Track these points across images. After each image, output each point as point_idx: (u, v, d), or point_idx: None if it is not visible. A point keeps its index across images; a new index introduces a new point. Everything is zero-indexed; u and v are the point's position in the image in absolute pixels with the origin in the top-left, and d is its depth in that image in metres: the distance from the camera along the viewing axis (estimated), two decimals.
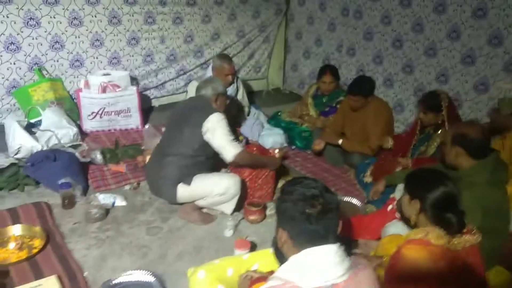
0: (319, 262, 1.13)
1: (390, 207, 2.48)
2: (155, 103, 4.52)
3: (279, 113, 4.04)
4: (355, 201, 2.90)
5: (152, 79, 4.36)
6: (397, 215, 2.42)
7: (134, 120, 3.87)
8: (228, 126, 2.47)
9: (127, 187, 2.90)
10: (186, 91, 3.45)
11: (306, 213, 1.16)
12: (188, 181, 2.44)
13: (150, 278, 1.96)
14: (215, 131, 2.41)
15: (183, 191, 2.46)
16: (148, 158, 3.17)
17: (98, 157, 3.09)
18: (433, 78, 3.72)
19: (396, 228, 2.30)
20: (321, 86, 3.67)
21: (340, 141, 3.31)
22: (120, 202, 2.69)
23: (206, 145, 2.47)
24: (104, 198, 2.64)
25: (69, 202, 2.60)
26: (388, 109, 3.34)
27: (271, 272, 1.64)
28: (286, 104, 4.70)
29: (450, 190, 1.58)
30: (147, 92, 4.38)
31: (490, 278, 1.83)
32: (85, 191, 2.78)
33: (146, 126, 3.27)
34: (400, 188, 2.64)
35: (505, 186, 2.07)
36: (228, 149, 2.43)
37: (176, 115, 2.58)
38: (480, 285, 1.57)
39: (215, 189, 2.44)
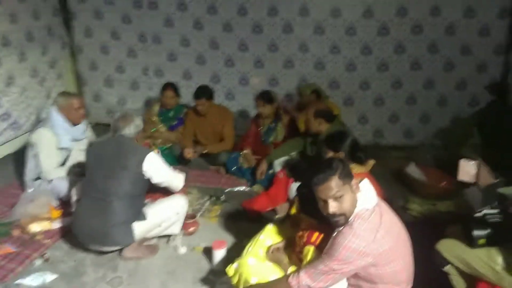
0: (369, 189, 1.81)
1: (281, 175, 3.27)
2: None
3: None
4: (242, 188, 3.56)
5: None
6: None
7: None
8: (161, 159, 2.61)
9: (38, 263, 2.49)
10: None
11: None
12: (142, 217, 2.45)
13: None
14: (157, 170, 2.51)
15: (140, 228, 2.44)
16: (31, 226, 2.77)
17: None
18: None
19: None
20: (165, 101, 3.99)
21: (206, 150, 3.85)
22: (50, 277, 2.35)
23: (147, 181, 2.53)
24: (33, 280, 2.25)
25: None
26: (230, 111, 4.07)
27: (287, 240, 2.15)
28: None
29: (354, 137, 2.55)
30: None
31: None
32: None
33: (30, 190, 2.76)
34: (277, 163, 3.52)
35: None
36: (176, 182, 2.67)
37: (102, 161, 2.45)
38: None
39: (173, 210, 2.58)
